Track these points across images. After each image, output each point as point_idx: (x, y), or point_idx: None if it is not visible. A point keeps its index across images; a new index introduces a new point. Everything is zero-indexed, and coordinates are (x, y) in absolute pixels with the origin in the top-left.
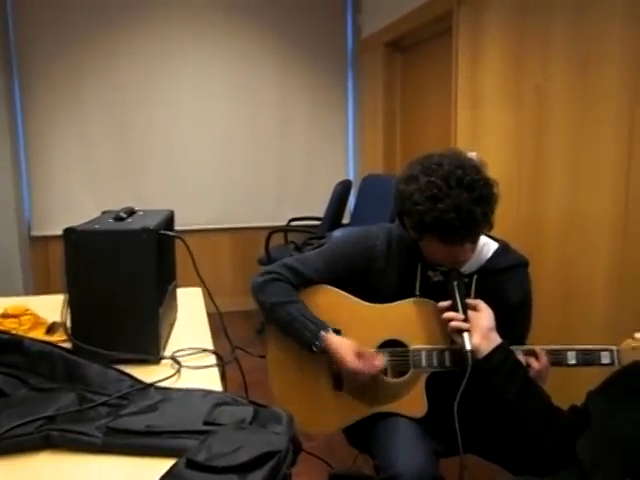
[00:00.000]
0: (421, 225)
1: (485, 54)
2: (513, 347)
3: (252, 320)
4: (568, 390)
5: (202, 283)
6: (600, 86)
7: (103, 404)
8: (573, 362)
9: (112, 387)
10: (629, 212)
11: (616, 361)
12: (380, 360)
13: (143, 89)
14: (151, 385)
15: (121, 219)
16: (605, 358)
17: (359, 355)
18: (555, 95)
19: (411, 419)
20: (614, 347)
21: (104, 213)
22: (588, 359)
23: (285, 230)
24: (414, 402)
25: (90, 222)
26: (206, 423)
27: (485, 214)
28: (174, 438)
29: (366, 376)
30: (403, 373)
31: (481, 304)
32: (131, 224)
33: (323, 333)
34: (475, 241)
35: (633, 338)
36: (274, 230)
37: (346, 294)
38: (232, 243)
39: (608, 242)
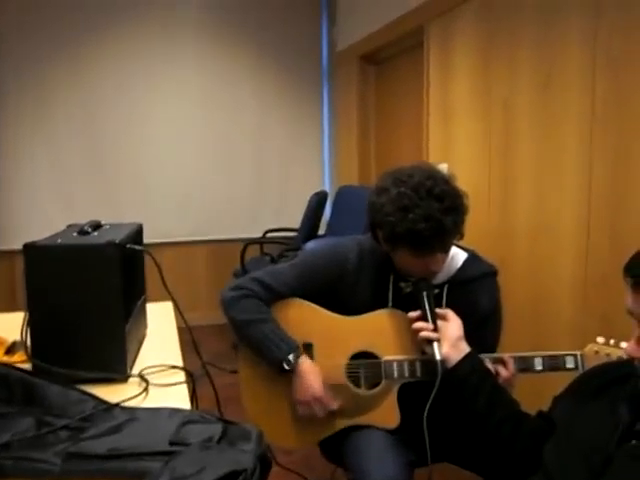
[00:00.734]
0: (393, 236)
1: (455, 69)
2: (482, 355)
3: (228, 334)
4: (538, 396)
5: (170, 297)
6: (562, 100)
7: (63, 428)
8: (540, 368)
9: (74, 409)
10: (591, 219)
11: (580, 365)
12: (334, 405)
13: (116, 100)
14: (116, 405)
15: (86, 233)
16: (570, 363)
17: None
18: (521, 109)
19: (385, 430)
20: (578, 352)
21: (69, 227)
22: (554, 364)
23: (260, 242)
24: (387, 413)
25: (53, 236)
26: (172, 443)
27: (455, 223)
28: (138, 461)
29: (324, 407)
30: (376, 384)
31: (450, 313)
32: (95, 238)
33: (293, 355)
34: (447, 251)
35: (595, 342)
36: (249, 242)
37: (317, 307)
38: (208, 256)
39: (573, 249)
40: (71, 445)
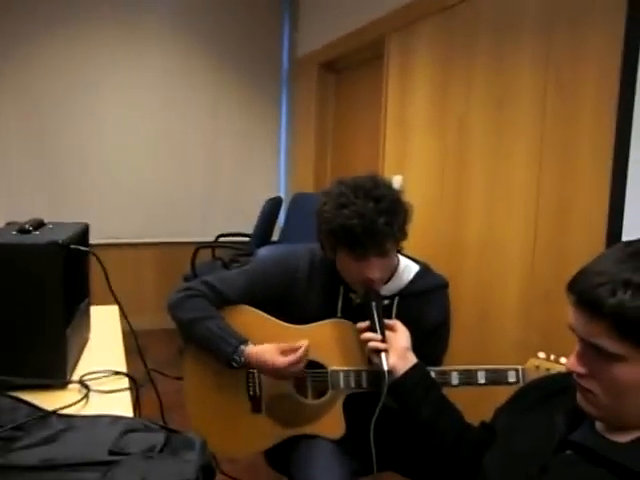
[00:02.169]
0: (329, 234)
1: (413, 83)
2: (428, 368)
3: (176, 339)
4: (481, 407)
5: (115, 300)
6: (514, 119)
7: None
8: (483, 381)
9: (5, 417)
10: (538, 236)
11: (521, 379)
12: (302, 344)
13: (62, 98)
14: (53, 413)
15: (26, 232)
16: (511, 377)
17: (283, 352)
18: (474, 125)
19: (330, 440)
20: (519, 367)
21: (8, 224)
22: (496, 378)
23: (212, 246)
24: (332, 423)
25: None
26: (112, 453)
27: (389, 225)
28: (74, 471)
29: (301, 366)
30: (322, 394)
31: (398, 324)
32: (37, 238)
33: (242, 347)
34: (382, 256)
35: (536, 357)
36: (201, 246)
37: (265, 315)
38: (156, 258)
39: (519, 265)
40: (0, 456)
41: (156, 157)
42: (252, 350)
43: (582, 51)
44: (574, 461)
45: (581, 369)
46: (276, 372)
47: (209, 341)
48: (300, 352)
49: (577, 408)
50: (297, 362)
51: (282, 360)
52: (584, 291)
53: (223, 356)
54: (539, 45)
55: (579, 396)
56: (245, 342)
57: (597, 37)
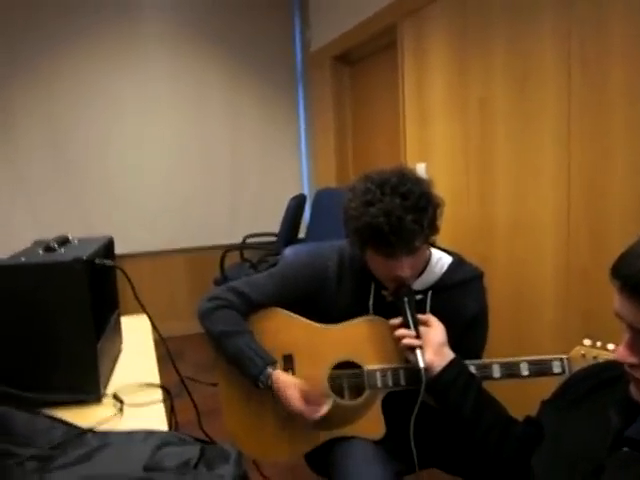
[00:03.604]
0: (356, 232)
1: (430, 68)
2: (466, 361)
3: None
4: (525, 400)
5: (143, 309)
6: (538, 97)
7: (30, 459)
8: (526, 373)
9: (42, 437)
10: (571, 215)
11: (567, 370)
12: (325, 406)
13: (84, 107)
14: (89, 430)
15: (52, 250)
16: (556, 367)
17: (305, 396)
18: (497, 108)
19: (371, 440)
20: (564, 356)
21: (35, 243)
22: (540, 369)
23: (240, 248)
24: (372, 424)
25: (18, 254)
26: (147, 469)
27: (417, 223)
28: None
29: (309, 420)
30: (359, 394)
31: (432, 319)
32: (62, 255)
33: (269, 370)
34: (411, 254)
35: (582, 345)
36: (229, 248)
37: (297, 316)
38: (187, 264)
39: (553, 245)
40: (38, 477)
41: (178, 164)
42: (277, 377)
43: (606, 24)
44: (631, 459)
45: (633, 359)
46: (288, 409)
47: (237, 359)
48: (319, 413)
49: (631, 399)
50: (310, 415)
51: (298, 405)
52: (630, 276)
53: (249, 376)
54: (560, 20)
55: (632, 388)
56: (272, 364)
57: (621, 8)
